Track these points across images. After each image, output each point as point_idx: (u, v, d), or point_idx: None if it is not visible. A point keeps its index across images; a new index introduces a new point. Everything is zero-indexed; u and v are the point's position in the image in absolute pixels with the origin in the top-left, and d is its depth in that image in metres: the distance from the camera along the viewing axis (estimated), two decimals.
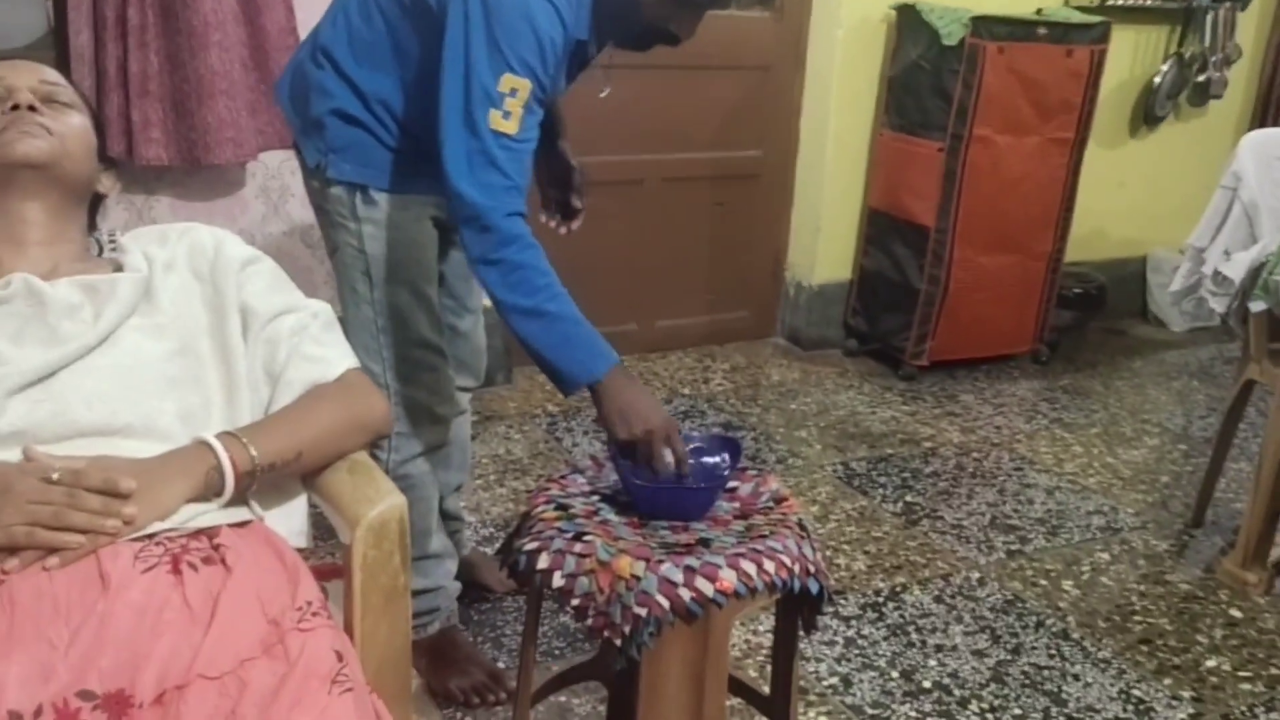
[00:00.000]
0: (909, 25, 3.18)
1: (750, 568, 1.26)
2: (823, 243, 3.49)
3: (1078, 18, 3.20)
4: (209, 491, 1.06)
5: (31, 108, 1.19)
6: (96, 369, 1.11)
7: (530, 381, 3.16)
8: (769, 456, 2.77)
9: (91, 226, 1.31)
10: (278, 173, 2.70)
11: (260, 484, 1.11)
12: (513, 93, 1.43)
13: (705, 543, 1.31)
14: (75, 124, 1.23)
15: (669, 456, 1.42)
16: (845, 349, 3.55)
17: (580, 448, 2.75)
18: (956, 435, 2.96)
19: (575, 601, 1.28)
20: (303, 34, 2.56)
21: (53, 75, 1.27)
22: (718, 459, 1.49)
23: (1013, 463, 2.80)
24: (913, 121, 3.21)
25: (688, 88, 3.24)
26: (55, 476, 0.97)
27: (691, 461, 1.46)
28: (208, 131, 2.40)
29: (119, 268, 1.22)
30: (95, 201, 1.31)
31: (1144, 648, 2.03)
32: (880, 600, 2.13)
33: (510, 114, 1.43)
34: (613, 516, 1.39)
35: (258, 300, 1.24)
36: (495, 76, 1.42)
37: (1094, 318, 3.75)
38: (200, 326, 1.21)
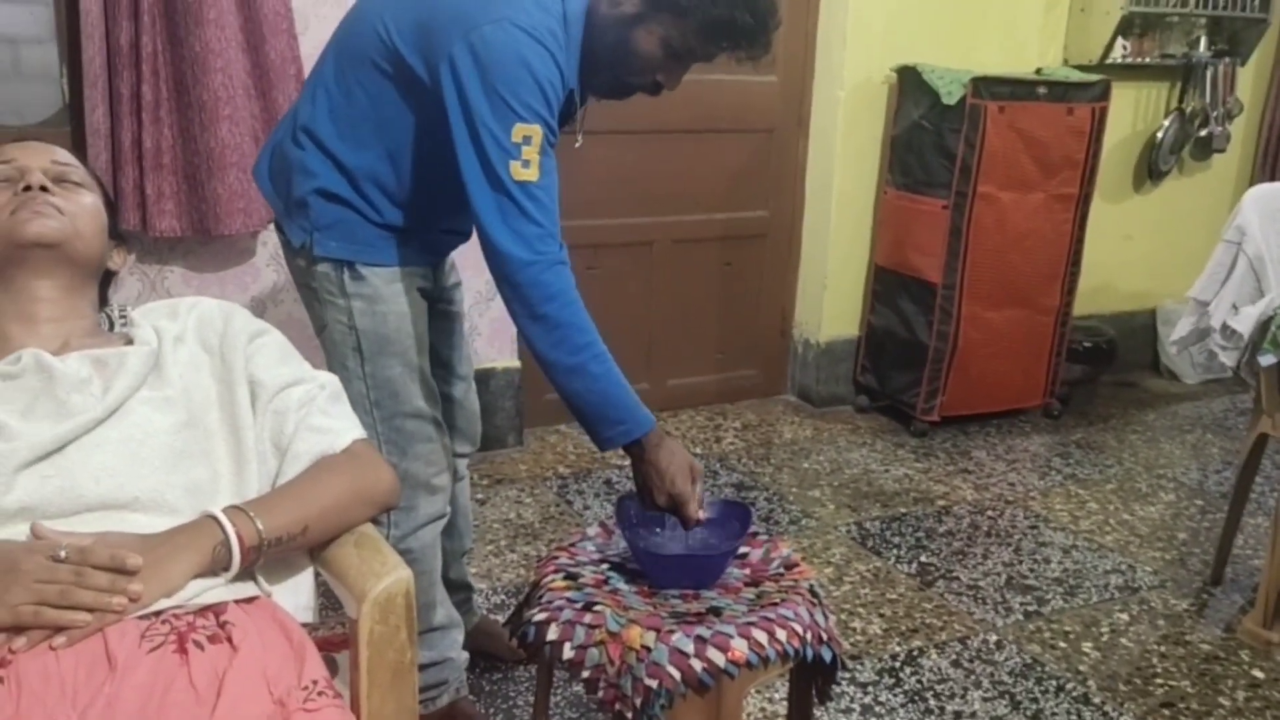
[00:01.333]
0: (910, 86, 3.23)
1: (762, 636, 1.24)
2: (830, 300, 3.50)
3: (1077, 76, 3.24)
4: (216, 567, 1.06)
5: (44, 188, 1.21)
6: (105, 442, 1.11)
7: (541, 443, 3.16)
8: (782, 517, 2.75)
9: (103, 301, 1.32)
10: None
11: (267, 558, 1.11)
12: (526, 140, 1.43)
13: (716, 611, 1.30)
14: (86, 204, 1.25)
15: (690, 510, 1.48)
16: (856, 405, 3.54)
17: (591, 511, 2.74)
18: (970, 492, 2.93)
19: (586, 673, 1.26)
20: None
21: (64, 156, 1.29)
22: (727, 525, 1.48)
23: (1028, 520, 2.77)
24: (916, 180, 3.23)
25: (694, 151, 3.28)
26: (63, 555, 0.97)
27: (700, 531, 1.45)
28: (219, 203, 2.43)
29: (129, 342, 1.23)
30: (106, 277, 1.32)
31: (1166, 712, 1.99)
32: (897, 665, 2.10)
33: (529, 162, 1.44)
34: (623, 585, 1.38)
35: (265, 372, 1.24)
36: (506, 129, 1.42)
37: (1105, 371, 3.74)
38: (209, 399, 1.22)
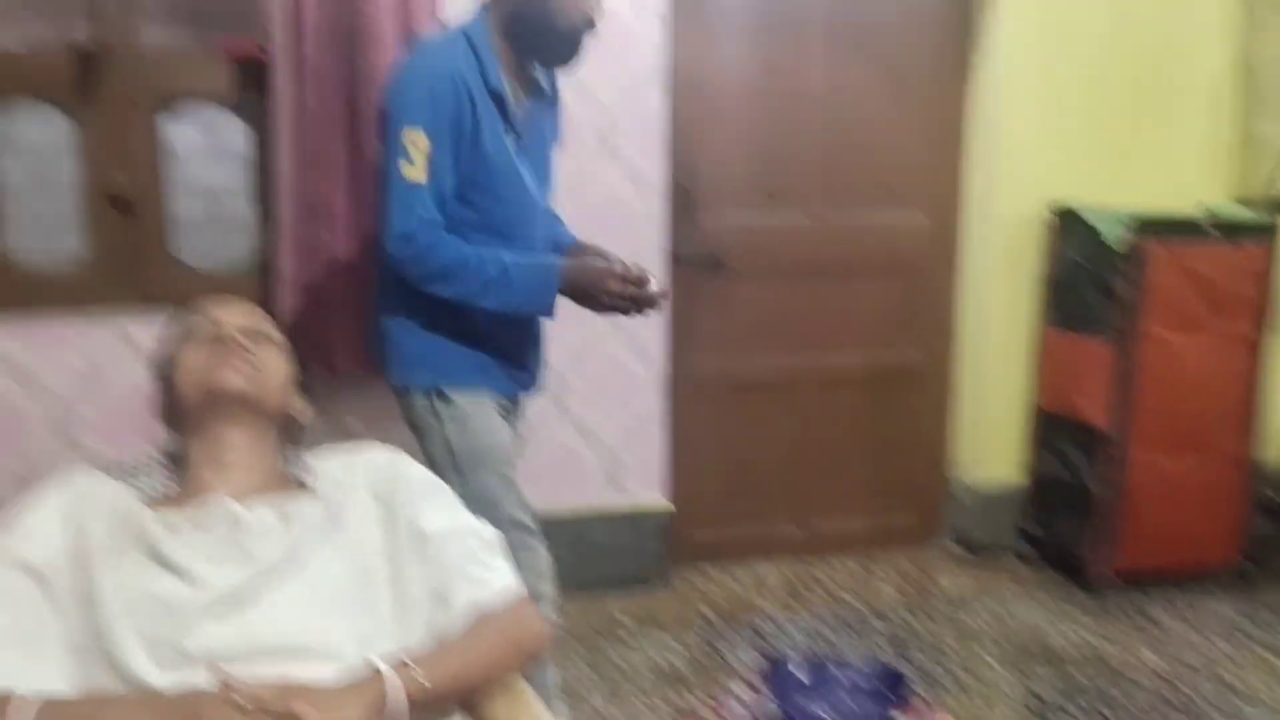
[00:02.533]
0: (1069, 226, 3.14)
1: None
2: (989, 444, 3.36)
3: (1245, 215, 3.09)
4: (382, 719, 1.06)
5: (238, 343, 1.29)
6: (282, 590, 1.15)
7: (687, 585, 3.10)
8: (944, 677, 2.58)
9: (285, 449, 1.38)
10: None
11: (425, 710, 1.11)
12: (414, 145, 1.74)
13: None
14: (275, 358, 1.33)
15: (625, 288, 1.85)
16: (1020, 554, 3.34)
17: (740, 660, 2.64)
18: (1151, 658, 2.69)
19: None
20: None
21: (256, 313, 1.38)
22: (882, 691, 1.40)
23: (1218, 692, 2.52)
24: (1077, 320, 3.11)
25: (842, 292, 3.26)
26: (243, 703, 0.99)
27: (855, 697, 1.38)
28: None
29: (307, 489, 1.28)
30: (290, 425, 1.39)
31: None
32: None
33: (415, 163, 1.74)
34: None
35: (427, 521, 1.27)
36: (399, 133, 1.76)
37: None
38: (375, 547, 1.25)
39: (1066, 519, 3.17)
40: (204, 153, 2.64)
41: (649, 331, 2.98)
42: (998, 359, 3.32)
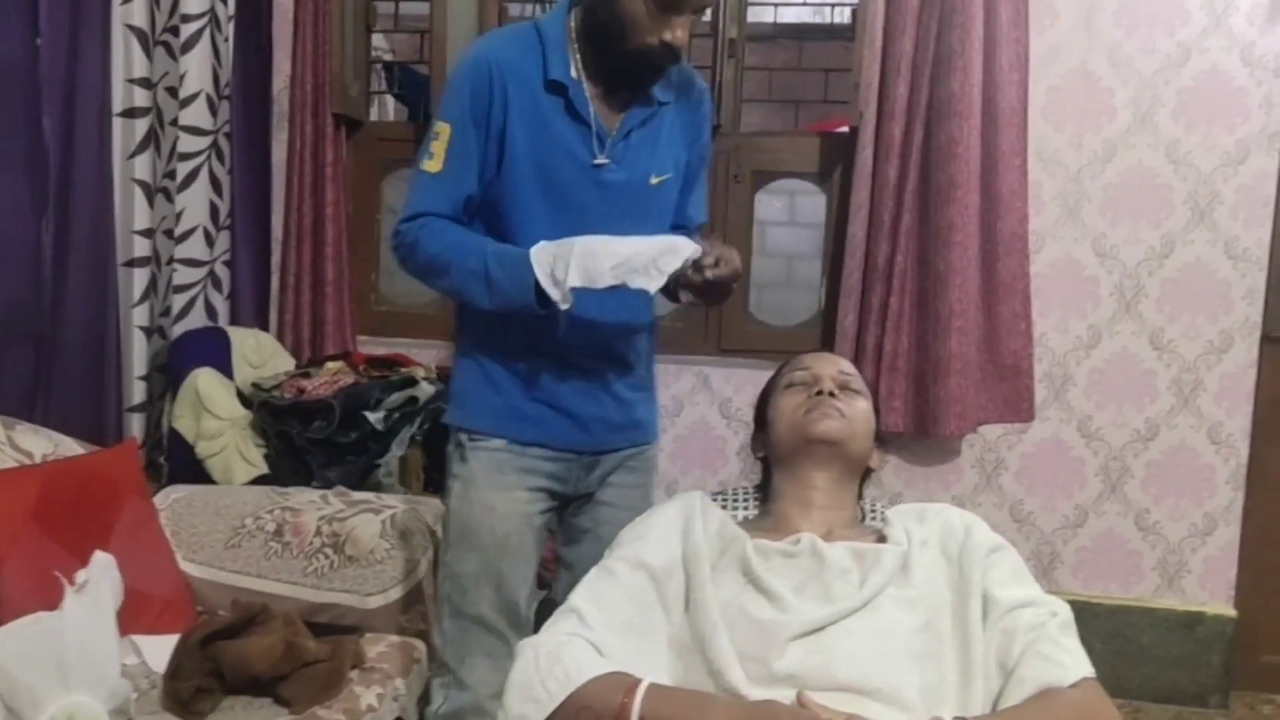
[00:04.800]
0: None
1: None
2: None
3: None
4: None
5: (831, 394, 1.42)
6: (857, 631, 1.22)
7: (1252, 713, 2.70)
8: None
9: (859, 496, 1.48)
10: (994, 446, 2.78)
11: None
12: (436, 136, 1.55)
13: None
14: (862, 409, 1.43)
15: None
16: None
17: None
18: None
19: None
20: (1038, 321, 2.68)
21: (848, 367, 1.49)
22: None
23: None
24: None
25: None
26: None
27: None
28: (939, 405, 2.60)
29: (881, 538, 1.36)
30: (866, 474, 1.48)
31: None
32: None
33: (434, 155, 1.54)
34: None
35: (999, 589, 1.26)
36: (433, 123, 1.57)
37: None
38: (944, 605, 1.28)
39: None
40: (785, 221, 2.91)
41: (1231, 418, 2.67)
42: None
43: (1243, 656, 2.73)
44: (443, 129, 1.54)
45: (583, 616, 1.27)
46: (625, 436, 1.69)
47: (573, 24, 1.56)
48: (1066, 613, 1.28)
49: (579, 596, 1.31)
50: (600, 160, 1.56)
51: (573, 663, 1.20)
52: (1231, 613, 2.72)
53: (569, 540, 1.71)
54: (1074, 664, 1.21)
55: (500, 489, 1.57)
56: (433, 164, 1.54)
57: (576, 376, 1.61)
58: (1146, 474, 2.73)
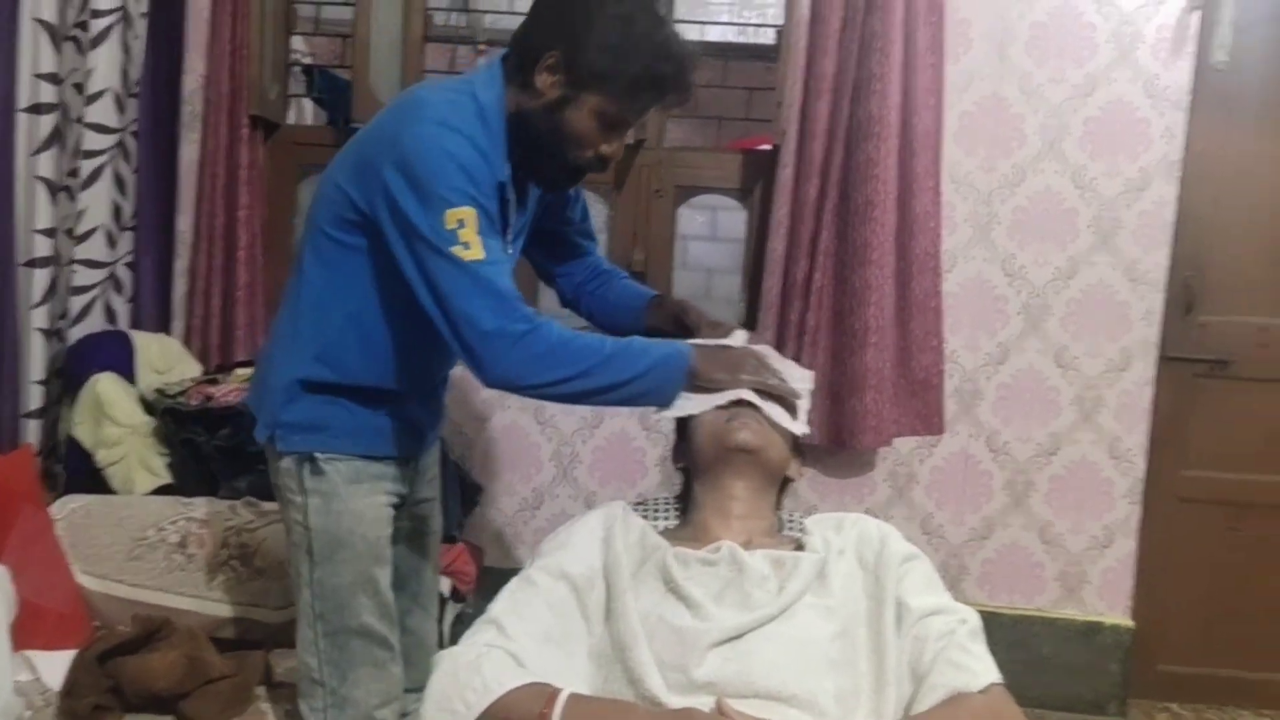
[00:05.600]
0: None
1: None
2: None
3: None
4: None
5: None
6: (775, 638, 1.24)
7: None
8: None
9: (778, 506, 1.50)
10: (906, 459, 2.85)
11: None
12: (460, 224, 1.38)
13: None
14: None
15: (767, 375, 1.45)
16: None
17: None
18: None
19: None
20: (949, 338, 2.76)
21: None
22: None
23: None
24: None
25: None
26: None
27: None
28: (855, 419, 2.65)
29: (799, 546, 1.38)
30: (785, 484, 1.50)
31: None
32: None
33: (469, 244, 1.39)
34: None
35: (912, 597, 1.29)
36: (439, 218, 1.38)
37: None
38: (860, 613, 1.30)
39: None
40: (707, 235, 2.94)
41: (1130, 434, 2.78)
42: None
43: (1139, 665, 2.83)
44: (465, 214, 1.39)
45: (502, 627, 1.26)
46: (436, 433, 1.78)
47: (500, 123, 1.50)
48: (975, 620, 1.31)
49: (498, 607, 1.30)
50: (509, 251, 1.58)
51: (491, 674, 1.19)
52: (1129, 623, 2.82)
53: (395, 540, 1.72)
54: (983, 670, 1.24)
55: (362, 496, 1.57)
56: (474, 253, 1.39)
57: (421, 391, 1.65)
58: (1050, 487, 2.82)
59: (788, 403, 1.47)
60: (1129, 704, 2.83)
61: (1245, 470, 2.84)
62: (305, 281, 1.55)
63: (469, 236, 1.39)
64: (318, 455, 1.54)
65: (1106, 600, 2.84)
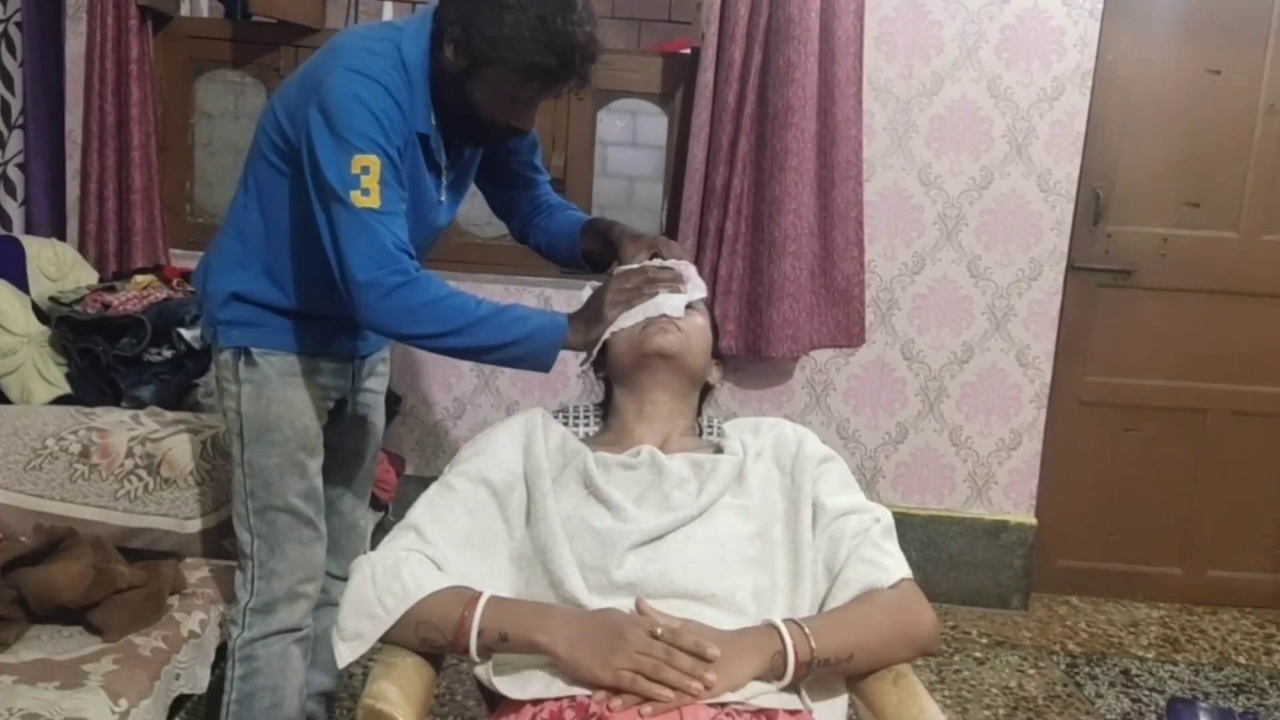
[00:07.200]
0: None
1: None
2: None
3: None
4: (772, 674, 1.13)
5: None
6: (694, 538, 1.25)
7: (1049, 612, 2.95)
8: None
9: (698, 412, 1.50)
10: (824, 368, 2.89)
11: (812, 676, 1.16)
12: (365, 170, 1.44)
13: None
14: (699, 325, 1.44)
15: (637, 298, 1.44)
16: None
17: (1105, 701, 2.48)
18: None
19: None
20: (868, 247, 2.78)
21: None
22: None
23: None
24: None
25: (1268, 316, 2.92)
26: (659, 632, 1.11)
27: None
28: (772, 329, 2.67)
29: (718, 450, 1.39)
30: (705, 390, 1.51)
31: None
32: None
33: (369, 191, 1.44)
34: None
35: (828, 497, 1.32)
36: (346, 162, 1.43)
37: None
38: (777, 513, 1.32)
39: None
40: (627, 142, 2.89)
41: (1037, 342, 2.86)
42: None
43: (1041, 561, 2.97)
44: (370, 161, 1.44)
45: (421, 532, 1.25)
46: (378, 340, 1.80)
47: (423, 75, 1.53)
48: (888, 519, 1.34)
49: (417, 513, 1.29)
50: (441, 199, 1.64)
51: (411, 578, 1.18)
52: (1032, 521, 2.95)
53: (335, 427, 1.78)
54: (894, 566, 1.28)
55: (295, 388, 1.63)
56: (372, 200, 1.44)
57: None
58: (961, 394, 2.90)
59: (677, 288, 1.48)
60: (1032, 598, 2.98)
61: (1141, 375, 2.96)
62: (246, 200, 1.61)
63: (370, 184, 1.44)
64: (253, 350, 1.61)
65: (1012, 500, 2.96)
